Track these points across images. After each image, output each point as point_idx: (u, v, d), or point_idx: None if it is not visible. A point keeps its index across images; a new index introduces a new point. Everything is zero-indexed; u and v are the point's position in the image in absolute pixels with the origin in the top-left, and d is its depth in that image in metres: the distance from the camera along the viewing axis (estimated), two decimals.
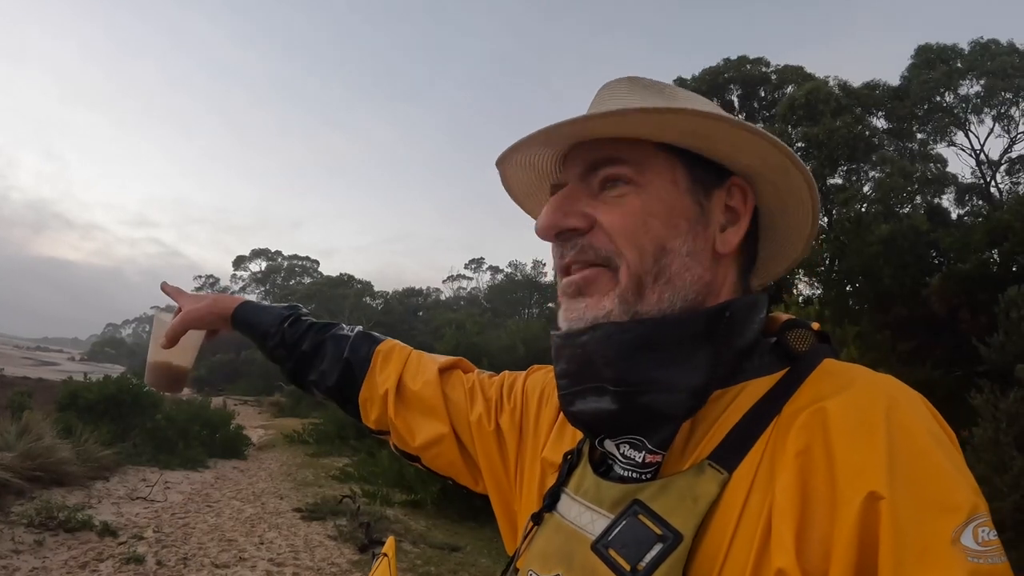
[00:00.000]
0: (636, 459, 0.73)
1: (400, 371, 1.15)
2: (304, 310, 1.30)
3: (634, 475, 0.73)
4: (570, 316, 0.78)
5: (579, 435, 0.89)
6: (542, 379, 1.05)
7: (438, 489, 10.34)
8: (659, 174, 0.77)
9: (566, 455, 0.87)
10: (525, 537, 0.85)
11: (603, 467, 0.80)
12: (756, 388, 0.72)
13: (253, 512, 8.81)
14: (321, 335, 1.22)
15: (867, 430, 0.62)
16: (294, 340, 1.22)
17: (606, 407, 0.74)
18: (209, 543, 7.02)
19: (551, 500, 0.83)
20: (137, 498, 8.65)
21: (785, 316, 0.81)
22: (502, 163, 0.87)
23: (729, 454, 0.68)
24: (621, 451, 0.75)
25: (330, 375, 1.18)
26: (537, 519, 0.84)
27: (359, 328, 1.25)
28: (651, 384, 0.71)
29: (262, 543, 7.28)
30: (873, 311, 13.35)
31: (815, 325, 0.78)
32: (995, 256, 12.82)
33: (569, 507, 0.79)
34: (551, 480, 0.88)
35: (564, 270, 0.80)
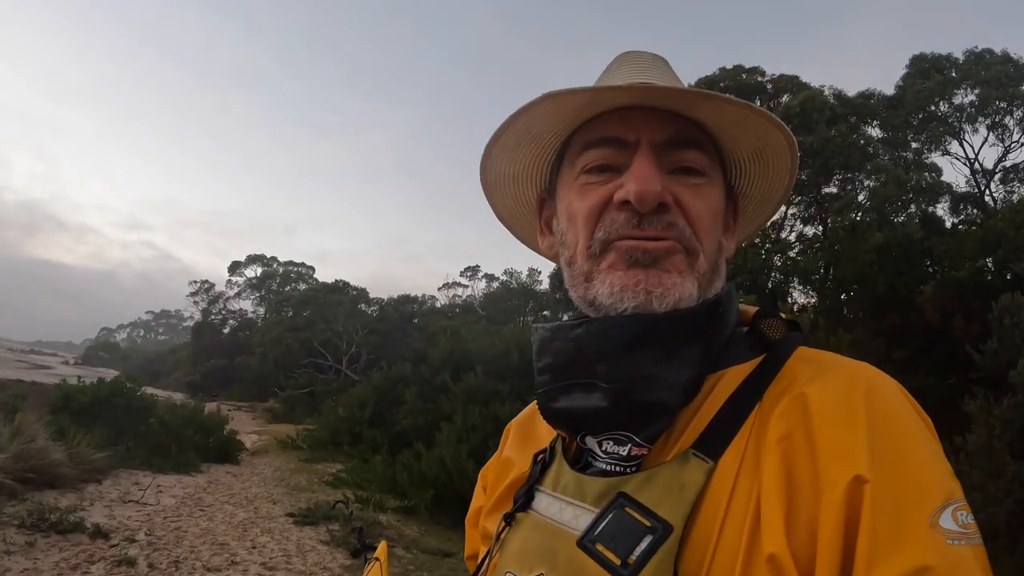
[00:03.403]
0: (620, 453, 0.72)
1: None
2: None
3: (617, 468, 0.72)
4: (641, 284, 0.71)
5: (544, 440, 0.88)
6: (494, 462, 1.01)
7: (431, 495, 10.33)
8: (718, 173, 0.79)
9: (536, 455, 0.85)
10: (497, 538, 0.82)
11: (580, 463, 0.78)
12: (734, 376, 0.72)
13: (246, 516, 8.78)
14: None
15: (847, 415, 0.63)
16: None
17: (595, 404, 0.72)
18: (201, 546, 6.98)
19: (525, 499, 0.81)
20: (129, 501, 8.61)
21: (755, 307, 0.82)
22: (521, 116, 0.77)
23: (713, 442, 0.67)
24: (603, 447, 0.73)
25: None
26: (509, 519, 0.81)
27: None
28: (646, 381, 0.70)
29: (254, 547, 7.25)
30: (868, 319, 13.38)
31: (783, 315, 0.79)
32: (989, 264, 12.88)
33: (549, 505, 0.77)
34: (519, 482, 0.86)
35: (628, 238, 0.73)
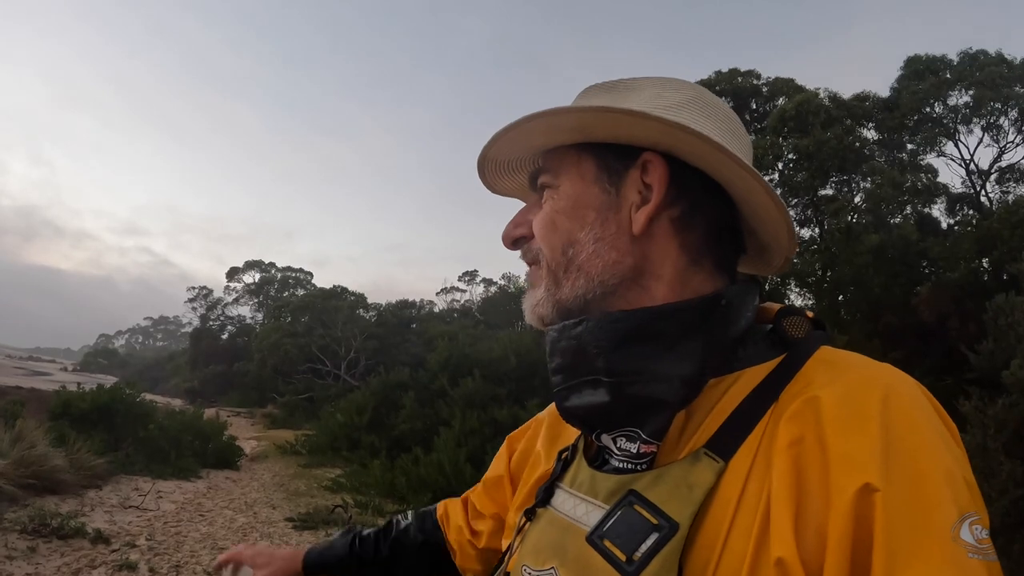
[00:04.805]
0: (631, 450, 0.73)
1: (465, 521, 1.20)
2: (358, 528, 1.33)
3: (629, 466, 0.73)
4: (524, 305, 0.86)
5: (571, 439, 0.90)
6: (522, 435, 1.10)
7: (429, 499, 10.35)
8: (568, 173, 0.82)
9: (560, 452, 0.88)
10: (518, 532, 0.85)
11: (598, 461, 0.79)
12: (753, 375, 0.72)
13: (245, 521, 8.81)
14: (388, 535, 1.27)
15: (860, 420, 0.61)
16: (372, 554, 1.26)
17: (600, 399, 0.73)
18: (201, 551, 7.01)
19: (545, 495, 0.83)
20: (130, 506, 8.63)
21: (778, 305, 0.80)
22: (484, 179, 0.93)
23: (725, 442, 0.67)
24: (617, 444, 0.74)
25: (419, 563, 1.25)
26: (530, 514, 0.84)
27: (410, 512, 1.33)
28: (641, 374, 0.71)
29: None
30: (864, 320, 13.41)
31: (809, 313, 0.78)
32: (984, 264, 12.92)
33: (564, 500, 0.79)
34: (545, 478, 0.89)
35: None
